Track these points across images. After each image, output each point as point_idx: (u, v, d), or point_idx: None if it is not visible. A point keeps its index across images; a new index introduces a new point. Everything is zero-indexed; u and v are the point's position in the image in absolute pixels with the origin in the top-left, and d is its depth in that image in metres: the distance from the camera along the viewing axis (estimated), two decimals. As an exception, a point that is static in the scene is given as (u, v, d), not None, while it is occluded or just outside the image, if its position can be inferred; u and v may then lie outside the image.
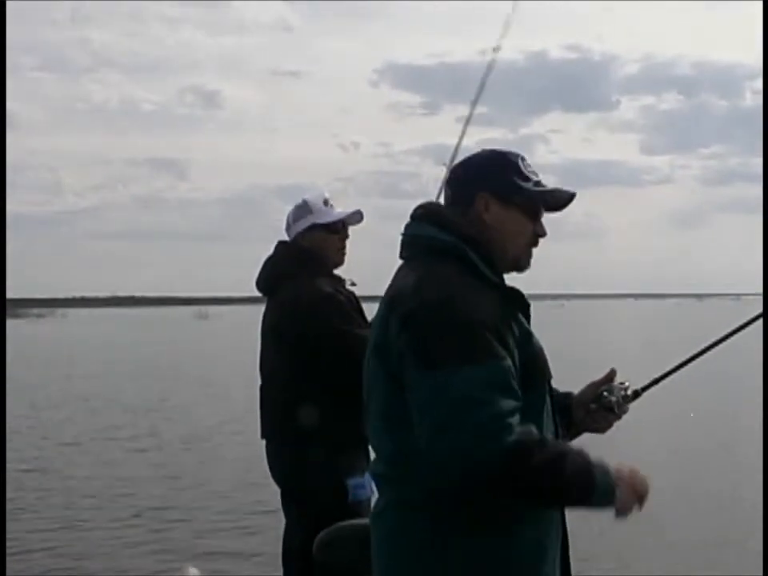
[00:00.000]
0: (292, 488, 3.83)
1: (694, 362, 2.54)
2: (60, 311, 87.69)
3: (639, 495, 2.09)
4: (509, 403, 1.95)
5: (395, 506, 2.14)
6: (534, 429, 1.98)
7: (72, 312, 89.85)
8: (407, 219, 2.30)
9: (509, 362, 2.00)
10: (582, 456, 2.01)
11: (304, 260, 3.83)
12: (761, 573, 5.55)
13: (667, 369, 2.46)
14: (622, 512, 2.07)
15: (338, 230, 3.89)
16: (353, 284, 3.90)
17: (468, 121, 4.41)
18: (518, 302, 2.16)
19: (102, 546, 7.13)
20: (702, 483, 9.29)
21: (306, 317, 3.67)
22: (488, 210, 2.21)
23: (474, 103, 4.40)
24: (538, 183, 2.26)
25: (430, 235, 2.20)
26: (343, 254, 3.93)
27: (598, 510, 2.06)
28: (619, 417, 2.35)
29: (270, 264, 3.96)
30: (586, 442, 2.29)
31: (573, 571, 2.25)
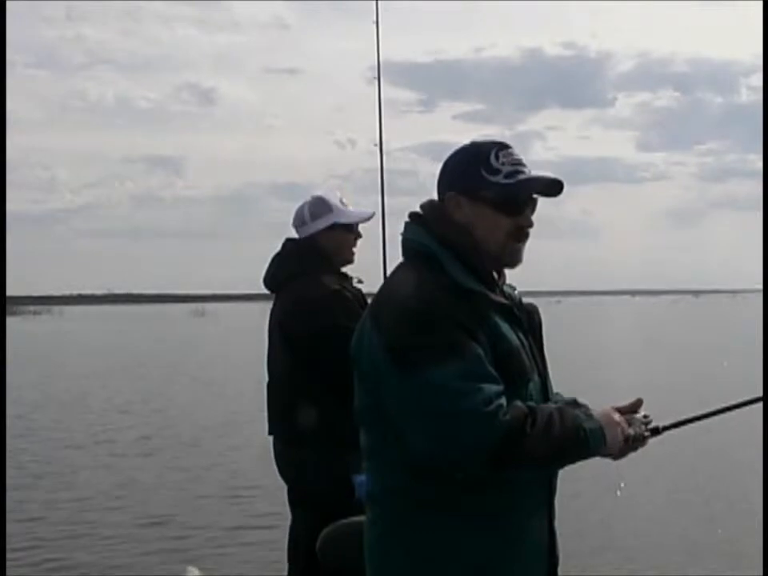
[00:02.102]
0: (297, 486, 3.82)
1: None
2: (56, 308, 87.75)
3: (622, 429, 2.10)
4: (493, 387, 1.97)
5: (371, 498, 2.19)
6: (520, 403, 2.00)
7: (68, 309, 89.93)
8: (404, 217, 2.26)
9: (482, 353, 2.01)
10: (568, 412, 2.05)
11: (312, 257, 3.80)
12: (761, 573, 5.53)
13: (691, 415, 2.33)
14: (614, 449, 2.09)
15: (355, 229, 3.88)
16: (360, 281, 3.89)
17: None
18: (488, 303, 2.11)
19: (102, 546, 7.10)
20: (703, 484, 9.28)
21: (310, 314, 3.66)
22: (460, 208, 2.16)
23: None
24: (510, 174, 2.13)
25: (408, 238, 2.21)
26: (354, 253, 3.93)
27: (596, 455, 2.08)
28: (634, 449, 2.22)
29: (278, 261, 3.93)
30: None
31: (569, 570, 2.23)
